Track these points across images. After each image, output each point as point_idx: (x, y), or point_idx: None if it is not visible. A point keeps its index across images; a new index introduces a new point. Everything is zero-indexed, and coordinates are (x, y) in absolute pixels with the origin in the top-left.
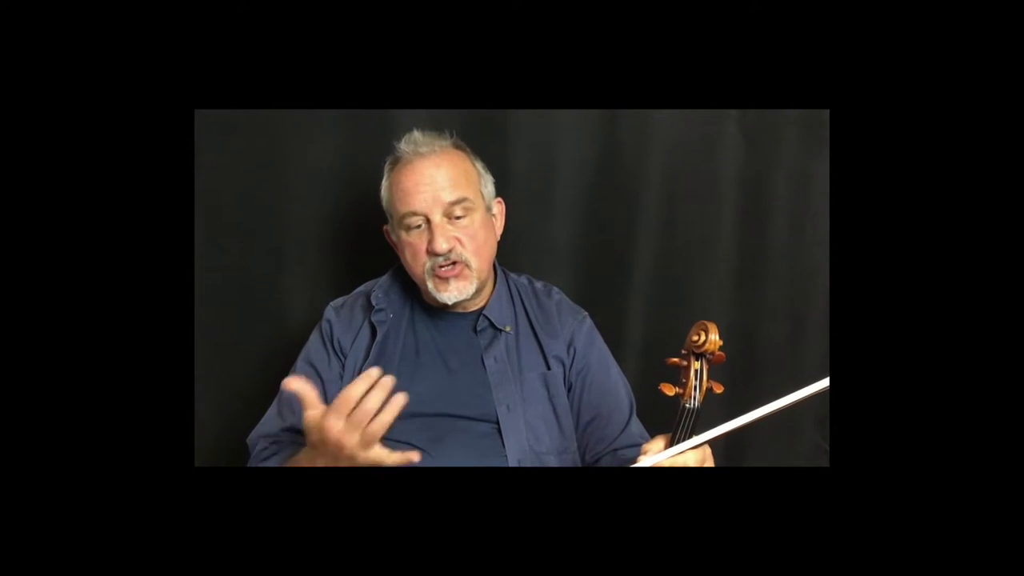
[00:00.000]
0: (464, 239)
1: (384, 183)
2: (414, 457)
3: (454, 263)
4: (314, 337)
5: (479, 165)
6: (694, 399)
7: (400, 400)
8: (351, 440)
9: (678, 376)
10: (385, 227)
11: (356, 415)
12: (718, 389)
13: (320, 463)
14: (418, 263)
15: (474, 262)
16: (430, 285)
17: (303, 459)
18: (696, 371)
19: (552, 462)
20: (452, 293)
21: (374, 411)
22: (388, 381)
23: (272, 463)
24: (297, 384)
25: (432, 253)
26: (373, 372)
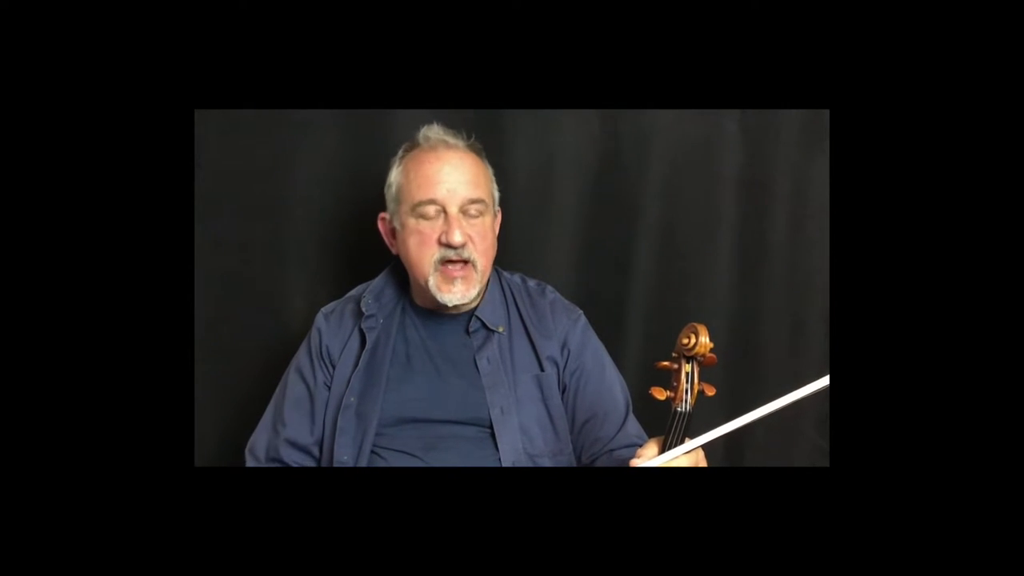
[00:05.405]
0: (476, 238)
1: (397, 169)
2: None
3: (465, 261)
4: (303, 348)
5: (490, 171)
6: (686, 402)
7: None
8: None
9: (669, 380)
10: (382, 215)
11: None
12: (710, 391)
13: None
14: (425, 253)
15: (480, 263)
16: (432, 281)
17: None
18: (687, 374)
19: (546, 464)
20: (456, 295)
21: None
22: None
23: None
24: None
25: (445, 244)
26: None
